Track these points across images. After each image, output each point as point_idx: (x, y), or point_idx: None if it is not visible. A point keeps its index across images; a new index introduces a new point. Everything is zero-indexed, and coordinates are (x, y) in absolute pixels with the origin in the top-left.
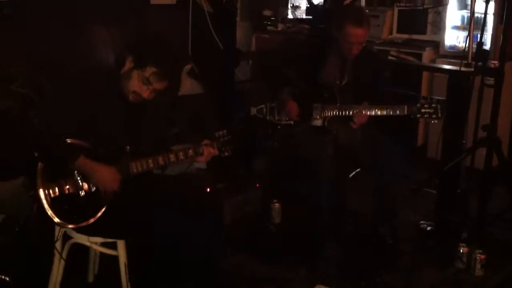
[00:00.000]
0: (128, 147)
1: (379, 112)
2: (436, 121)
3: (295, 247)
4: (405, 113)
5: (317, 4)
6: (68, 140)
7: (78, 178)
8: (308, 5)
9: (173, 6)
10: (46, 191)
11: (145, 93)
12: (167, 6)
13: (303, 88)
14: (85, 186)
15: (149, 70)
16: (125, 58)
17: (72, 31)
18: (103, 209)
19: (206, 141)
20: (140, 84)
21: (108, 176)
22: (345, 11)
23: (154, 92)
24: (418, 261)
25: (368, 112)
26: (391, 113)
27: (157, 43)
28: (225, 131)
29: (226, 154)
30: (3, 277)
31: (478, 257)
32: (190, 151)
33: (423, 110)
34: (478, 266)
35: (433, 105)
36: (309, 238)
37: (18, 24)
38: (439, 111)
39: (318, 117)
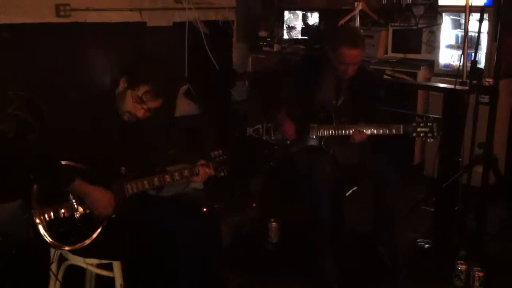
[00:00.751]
0: (123, 168)
1: (375, 131)
2: (431, 140)
3: (294, 267)
4: (401, 132)
5: (312, 25)
6: (63, 162)
7: (73, 200)
8: (303, 26)
9: (169, 28)
10: (42, 213)
11: (140, 112)
12: (163, 28)
13: (299, 108)
14: (80, 208)
15: (142, 89)
16: (119, 79)
17: (69, 55)
18: (98, 231)
19: (201, 161)
20: (134, 104)
21: (102, 201)
22: (339, 33)
23: (149, 111)
24: (417, 279)
25: (364, 131)
26: (387, 132)
27: (148, 62)
28: (221, 151)
29: (222, 174)
30: None
31: (476, 275)
32: (186, 171)
33: (419, 129)
34: (477, 283)
35: (428, 124)
36: (308, 257)
37: (16, 47)
38: (435, 130)
39: (314, 137)
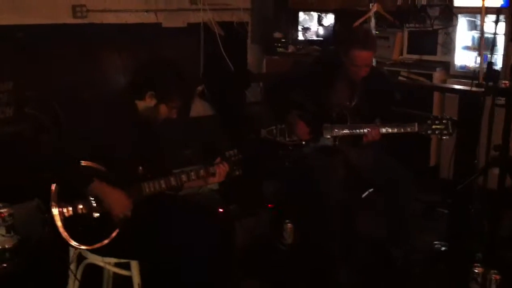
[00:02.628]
0: (141, 168)
1: (389, 130)
2: (447, 137)
3: (308, 270)
4: (416, 130)
5: (327, 26)
6: (83, 163)
7: (92, 199)
8: (318, 27)
9: (184, 29)
10: (60, 213)
11: (174, 114)
12: (178, 29)
13: (313, 109)
14: (99, 208)
15: (176, 101)
16: (145, 93)
17: (85, 55)
18: (117, 231)
19: (217, 160)
20: (169, 112)
21: (119, 202)
22: (351, 35)
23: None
24: (432, 282)
25: (379, 130)
26: (402, 130)
27: (175, 75)
28: (235, 150)
29: (237, 173)
30: None
31: (493, 278)
32: (202, 171)
33: (433, 127)
34: (493, 287)
35: (443, 121)
36: (321, 260)
37: (31, 48)
38: (449, 127)
39: (328, 136)
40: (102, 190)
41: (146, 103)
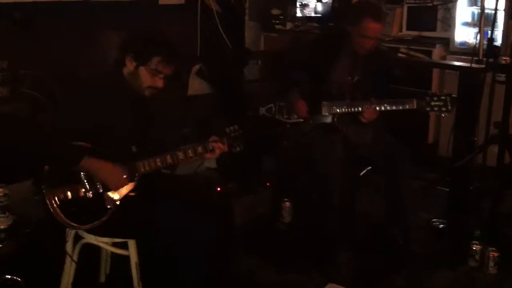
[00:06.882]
0: (133, 147)
1: (388, 107)
2: (446, 114)
3: (306, 249)
4: (414, 106)
5: (326, 3)
6: (72, 143)
7: (85, 179)
8: (317, 3)
9: (181, 6)
10: (53, 194)
11: (159, 83)
12: (175, 6)
13: (313, 86)
14: (92, 187)
15: (155, 61)
16: (124, 58)
17: (80, 34)
18: (112, 210)
19: (213, 138)
20: (152, 78)
21: (113, 175)
22: (364, 6)
23: (166, 78)
24: (431, 260)
25: (378, 108)
26: (400, 107)
27: (150, 34)
28: (236, 126)
29: (238, 149)
30: (15, 278)
31: (491, 255)
32: (199, 148)
33: (432, 103)
34: (491, 264)
35: (442, 97)
36: (320, 239)
37: (27, 26)
38: (448, 103)
39: (327, 114)
40: (94, 165)
41: (128, 69)
